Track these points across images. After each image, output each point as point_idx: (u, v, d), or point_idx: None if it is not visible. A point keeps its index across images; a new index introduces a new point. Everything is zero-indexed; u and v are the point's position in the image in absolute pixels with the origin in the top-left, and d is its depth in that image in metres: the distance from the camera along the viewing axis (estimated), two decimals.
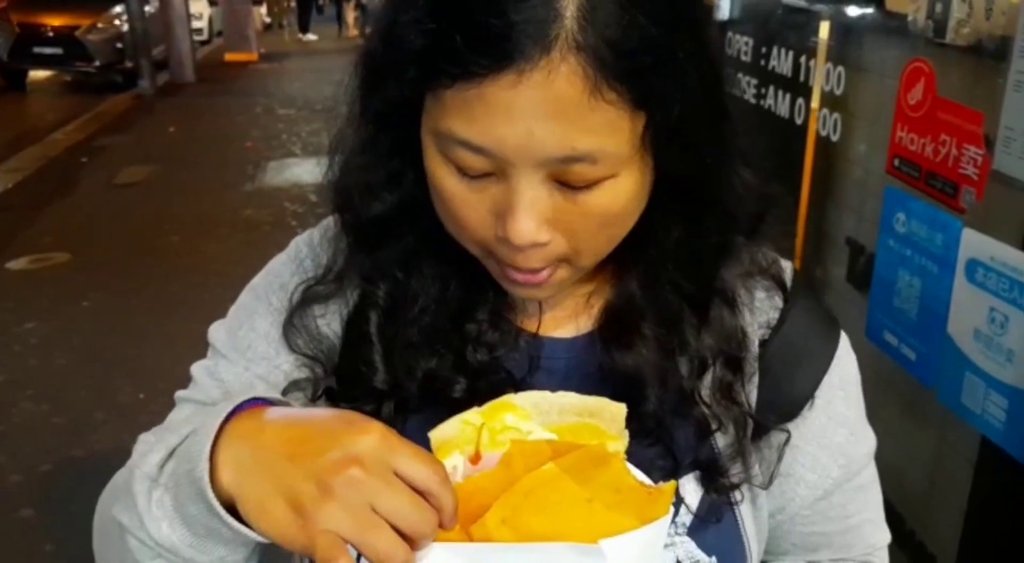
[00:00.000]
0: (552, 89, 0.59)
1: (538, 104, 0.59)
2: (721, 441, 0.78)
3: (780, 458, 0.80)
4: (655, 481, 0.72)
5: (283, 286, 0.83)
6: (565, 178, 0.63)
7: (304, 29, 18.75)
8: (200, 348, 0.87)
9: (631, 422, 0.74)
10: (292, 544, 0.56)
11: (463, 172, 0.64)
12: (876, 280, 1.98)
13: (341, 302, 0.80)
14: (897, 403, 2.03)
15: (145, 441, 0.77)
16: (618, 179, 0.64)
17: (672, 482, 0.64)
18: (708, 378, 0.77)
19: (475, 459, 0.60)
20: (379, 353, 0.77)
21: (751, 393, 0.79)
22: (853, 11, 2.14)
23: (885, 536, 0.90)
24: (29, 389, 3.71)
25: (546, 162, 0.62)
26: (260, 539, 0.60)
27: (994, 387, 1.57)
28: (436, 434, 0.61)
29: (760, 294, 0.82)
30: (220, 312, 0.88)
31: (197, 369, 0.85)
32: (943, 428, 1.96)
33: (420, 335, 0.76)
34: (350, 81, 0.72)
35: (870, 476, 0.87)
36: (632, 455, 0.76)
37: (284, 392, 0.79)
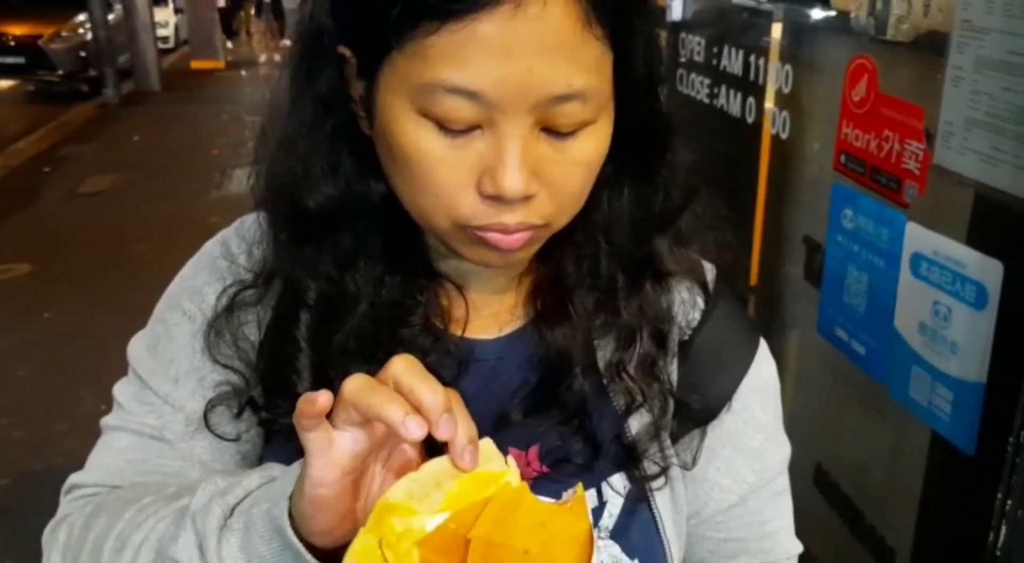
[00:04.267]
0: (549, 22, 0.59)
1: (536, 38, 0.59)
2: (639, 423, 0.78)
3: (703, 437, 0.80)
4: (577, 468, 0.73)
5: (198, 291, 0.80)
6: (554, 122, 0.62)
7: (283, 36, 18.69)
8: None
9: (554, 409, 0.74)
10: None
11: (445, 129, 0.62)
12: (827, 276, 1.99)
13: (267, 306, 0.77)
14: (852, 399, 2.04)
15: (82, 484, 0.79)
16: (597, 125, 0.65)
17: (578, 485, 0.62)
18: (633, 353, 0.77)
19: None
20: (308, 358, 0.74)
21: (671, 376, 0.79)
22: (801, 10, 2.16)
23: (798, 546, 0.89)
24: None
25: (543, 102, 0.61)
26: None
27: (940, 380, 1.58)
28: None
29: (684, 294, 0.82)
30: None
31: (123, 395, 0.81)
32: (898, 422, 1.97)
33: (355, 340, 0.73)
34: (285, 70, 0.72)
35: (784, 483, 0.87)
36: (553, 447, 0.76)
37: (208, 408, 0.76)
